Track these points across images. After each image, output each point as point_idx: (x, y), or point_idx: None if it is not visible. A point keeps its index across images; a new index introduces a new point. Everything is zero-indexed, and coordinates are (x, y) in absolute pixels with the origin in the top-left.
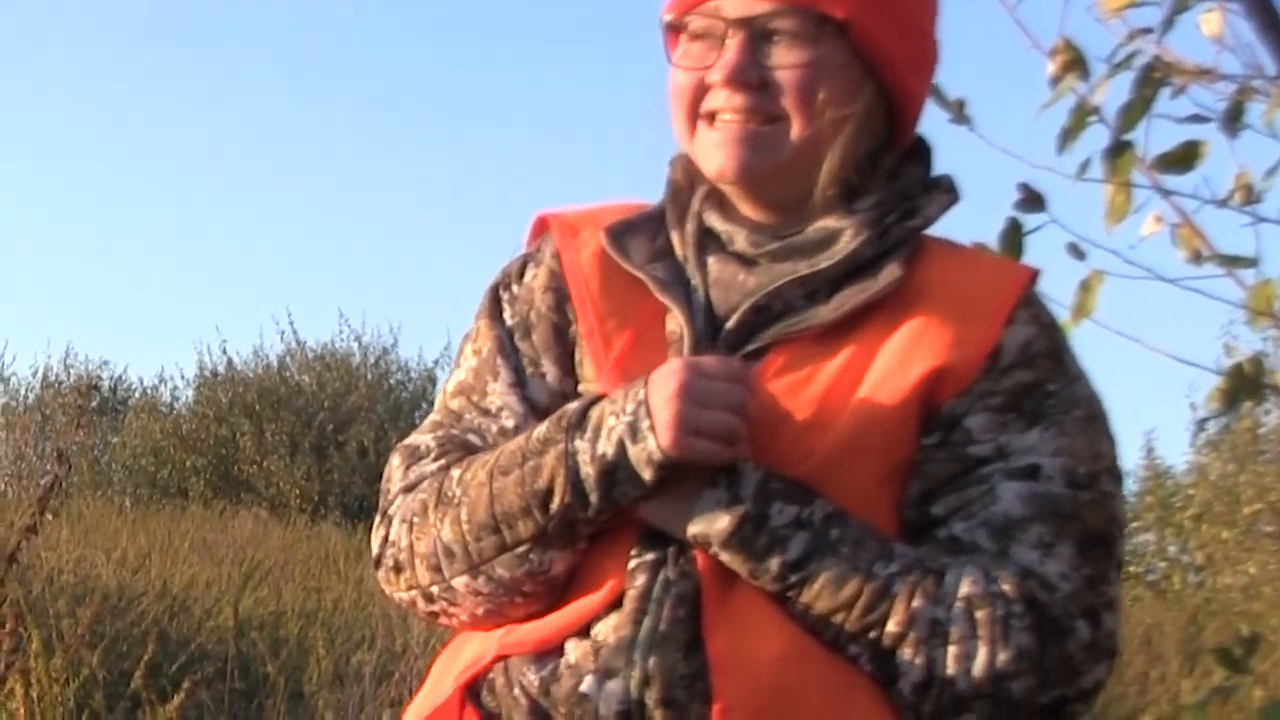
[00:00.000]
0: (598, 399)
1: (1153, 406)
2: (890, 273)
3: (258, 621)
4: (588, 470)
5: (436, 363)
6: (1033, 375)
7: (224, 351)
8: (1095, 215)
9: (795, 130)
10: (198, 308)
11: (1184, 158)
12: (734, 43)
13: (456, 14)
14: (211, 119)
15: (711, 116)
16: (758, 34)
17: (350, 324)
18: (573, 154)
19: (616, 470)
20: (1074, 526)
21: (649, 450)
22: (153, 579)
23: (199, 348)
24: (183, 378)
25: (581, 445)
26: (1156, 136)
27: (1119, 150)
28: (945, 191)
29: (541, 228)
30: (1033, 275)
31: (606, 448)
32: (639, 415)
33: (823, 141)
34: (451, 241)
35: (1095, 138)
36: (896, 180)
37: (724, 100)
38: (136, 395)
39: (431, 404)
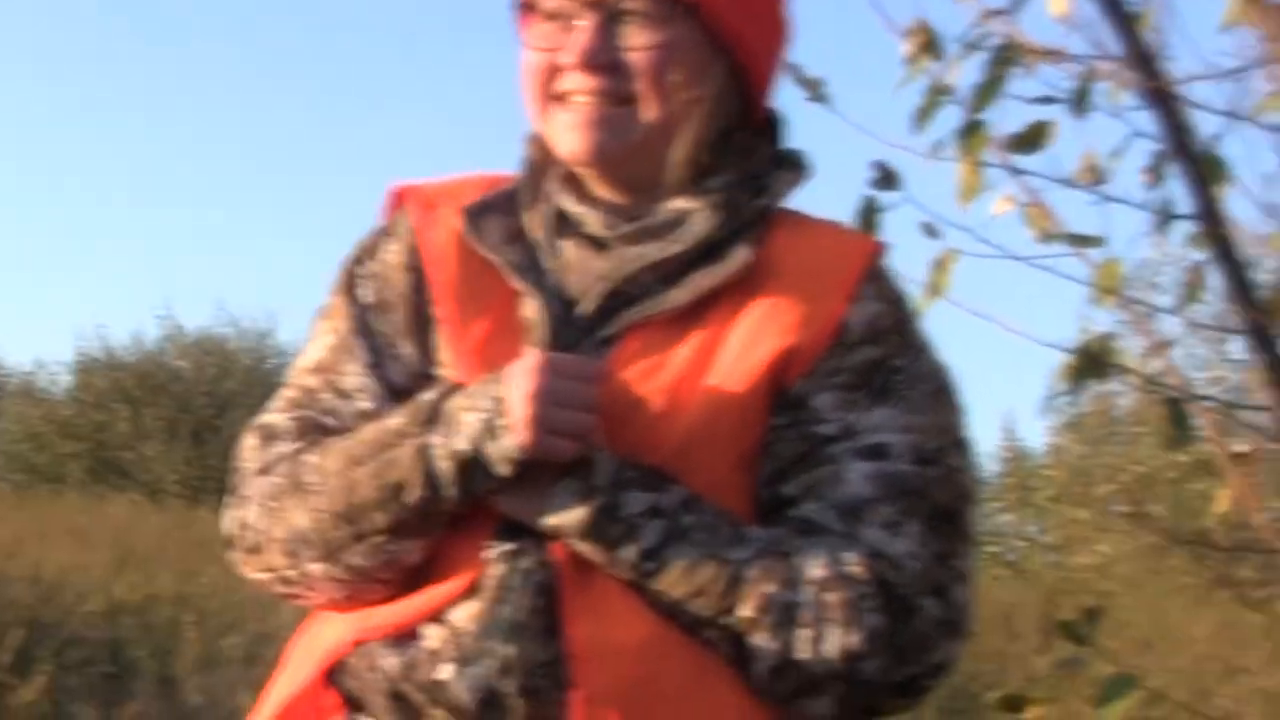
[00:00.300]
0: (452, 390)
1: (1013, 388)
2: (740, 256)
3: (130, 606)
4: (443, 465)
5: None
6: (879, 351)
7: (102, 337)
8: (949, 194)
9: (648, 112)
10: (76, 293)
11: (1033, 138)
12: (586, 24)
13: None
14: (90, 104)
15: (564, 98)
16: (610, 15)
17: (228, 309)
18: (446, 131)
19: (472, 466)
20: (922, 504)
21: (505, 448)
22: (25, 565)
23: (77, 333)
24: (60, 363)
25: (437, 440)
26: (1008, 116)
27: (971, 130)
28: (795, 168)
29: (397, 201)
30: (878, 249)
31: (462, 444)
32: (495, 413)
33: (675, 123)
34: (329, 225)
35: (949, 117)
36: (747, 158)
37: (576, 82)
38: (13, 381)
39: None
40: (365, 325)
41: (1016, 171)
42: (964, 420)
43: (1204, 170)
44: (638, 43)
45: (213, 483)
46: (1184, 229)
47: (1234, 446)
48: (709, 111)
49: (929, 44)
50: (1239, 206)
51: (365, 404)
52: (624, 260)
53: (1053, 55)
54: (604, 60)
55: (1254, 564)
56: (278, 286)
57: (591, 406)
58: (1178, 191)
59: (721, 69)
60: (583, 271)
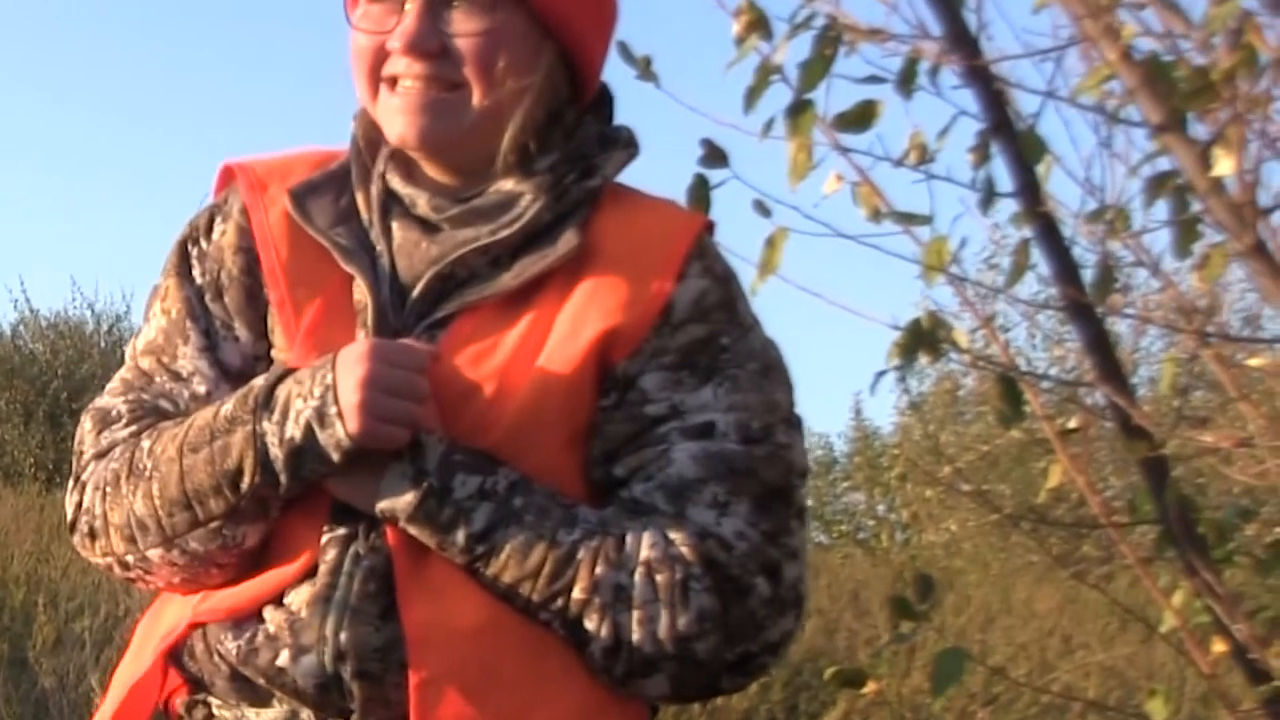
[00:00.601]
0: (284, 375)
1: (862, 368)
2: (567, 240)
3: None
4: (276, 452)
5: None
6: (706, 330)
7: None
8: (780, 173)
9: (476, 98)
10: None
11: (861, 117)
12: (413, 8)
13: None
14: None
15: (393, 81)
16: (436, 0)
17: (83, 291)
18: (286, 105)
19: (304, 453)
20: (750, 483)
21: (337, 436)
22: None
23: None
24: None
25: (270, 427)
26: (836, 96)
27: (799, 109)
28: (624, 146)
29: (228, 178)
30: (704, 225)
31: (294, 431)
32: (326, 400)
33: (504, 108)
34: (184, 204)
35: (778, 97)
36: (574, 137)
37: (404, 67)
38: None
39: None
40: (199, 307)
41: (845, 150)
42: (793, 398)
43: (1024, 148)
44: (465, 29)
45: (69, 466)
46: (1009, 208)
47: (1066, 424)
48: (538, 96)
49: (758, 23)
50: (1062, 186)
51: (200, 387)
52: (453, 243)
53: (876, 35)
54: (431, 46)
55: (1095, 541)
56: (132, 267)
57: (421, 393)
58: (1001, 170)
59: (550, 53)
60: (412, 255)
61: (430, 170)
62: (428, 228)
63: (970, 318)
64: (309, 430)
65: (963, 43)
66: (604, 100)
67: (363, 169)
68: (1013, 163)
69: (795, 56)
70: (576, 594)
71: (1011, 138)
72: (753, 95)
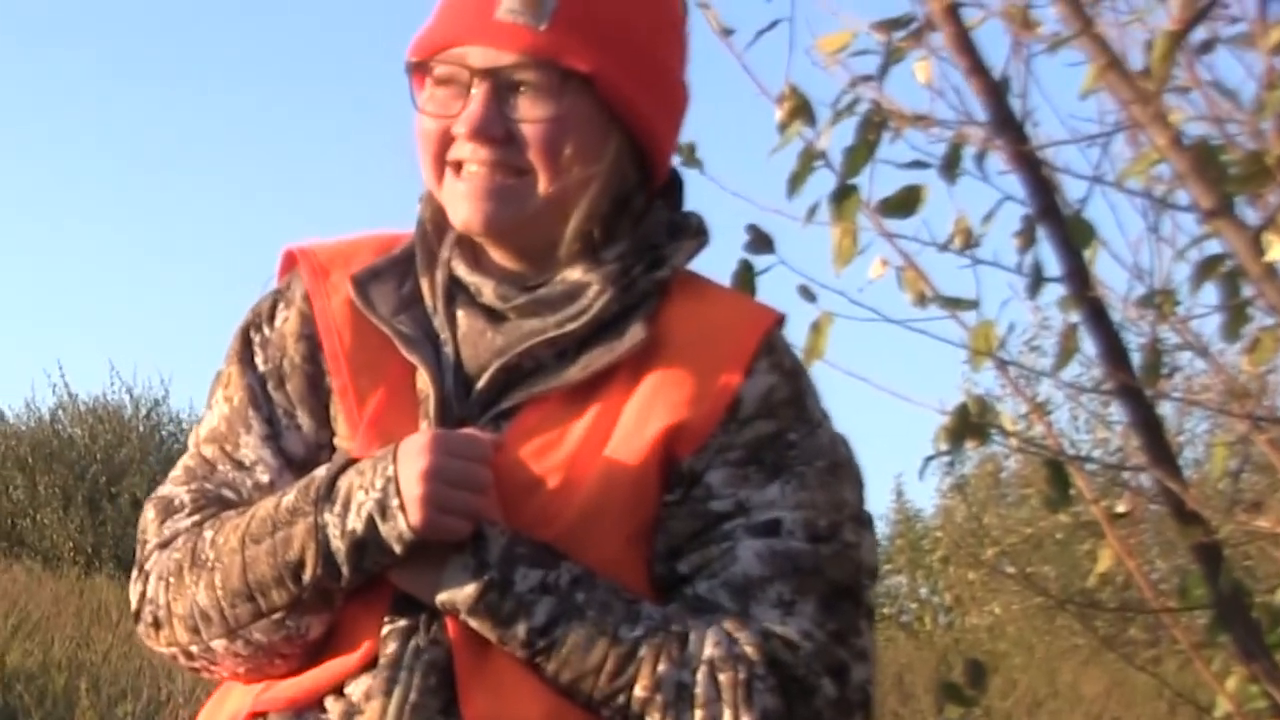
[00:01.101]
0: (346, 466)
1: (903, 451)
2: (635, 334)
3: (25, 673)
4: (338, 544)
5: None
6: (774, 426)
7: None
8: (825, 258)
9: (542, 185)
10: None
11: (906, 202)
12: (479, 94)
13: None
14: None
15: (459, 165)
16: (503, 85)
17: (121, 376)
18: (337, 188)
19: (366, 545)
20: (817, 582)
21: (399, 528)
22: None
23: None
24: None
25: (331, 519)
26: (880, 181)
27: (844, 194)
28: (693, 235)
29: (291, 263)
30: (776, 320)
31: (356, 523)
32: (388, 492)
33: (570, 196)
34: (221, 290)
35: (823, 182)
36: (643, 225)
37: (469, 152)
38: None
39: None
40: (261, 395)
41: (890, 235)
42: (863, 495)
43: (1072, 233)
44: (531, 115)
45: (108, 550)
46: (1055, 292)
47: (1114, 507)
48: (604, 183)
49: (801, 109)
50: (1110, 270)
51: (263, 477)
52: (519, 334)
53: (921, 120)
54: (497, 132)
55: (1142, 624)
56: (170, 351)
57: (484, 485)
58: (1048, 255)
59: (617, 140)
60: (477, 344)
61: (496, 256)
62: (493, 317)
63: (1016, 400)
64: (370, 522)
65: (1008, 128)
66: (673, 186)
67: (428, 254)
68: (1060, 247)
69: (839, 142)
70: (638, 691)
71: (1059, 222)
72: (797, 180)
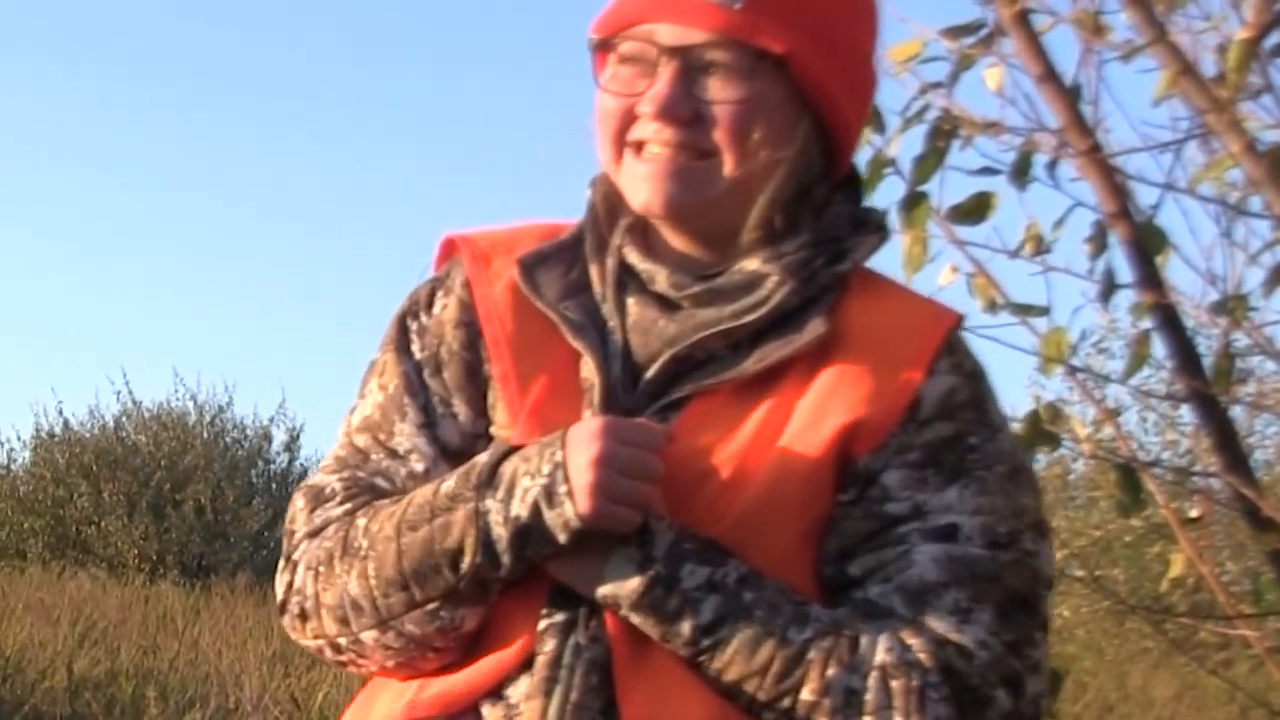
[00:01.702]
0: (508, 453)
1: None
2: (814, 328)
3: (92, 682)
4: (500, 531)
5: (271, 420)
6: (953, 428)
7: (60, 412)
8: (896, 265)
9: (728, 168)
10: (33, 369)
11: (976, 209)
12: (666, 72)
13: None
14: (38, 177)
15: (640, 146)
16: (692, 64)
17: (185, 383)
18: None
19: (530, 533)
20: (994, 589)
21: (566, 516)
22: None
23: (35, 409)
24: (19, 439)
25: (493, 505)
26: (950, 188)
27: (914, 201)
28: (875, 230)
29: (450, 250)
30: (956, 320)
31: (520, 510)
32: (555, 479)
33: (755, 181)
34: (284, 296)
35: (892, 189)
36: (825, 217)
37: (653, 132)
38: None
39: (268, 461)
40: (417, 383)
41: (961, 242)
42: (1040, 504)
43: (1145, 239)
44: (721, 96)
45: (173, 557)
46: (1127, 298)
47: (1186, 511)
48: (790, 170)
49: (870, 116)
50: (1182, 276)
51: (418, 465)
52: (693, 324)
53: (991, 128)
54: (684, 112)
55: (1212, 628)
56: (234, 358)
57: (655, 474)
58: (1120, 261)
59: (806, 125)
60: (648, 333)
61: (673, 241)
62: (666, 305)
63: (1085, 406)
64: (535, 509)
65: (1080, 134)
66: (854, 180)
67: (598, 240)
68: (1133, 253)
69: (909, 150)
70: (805, 695)
71: (1131, 228)
72: (866, 187)
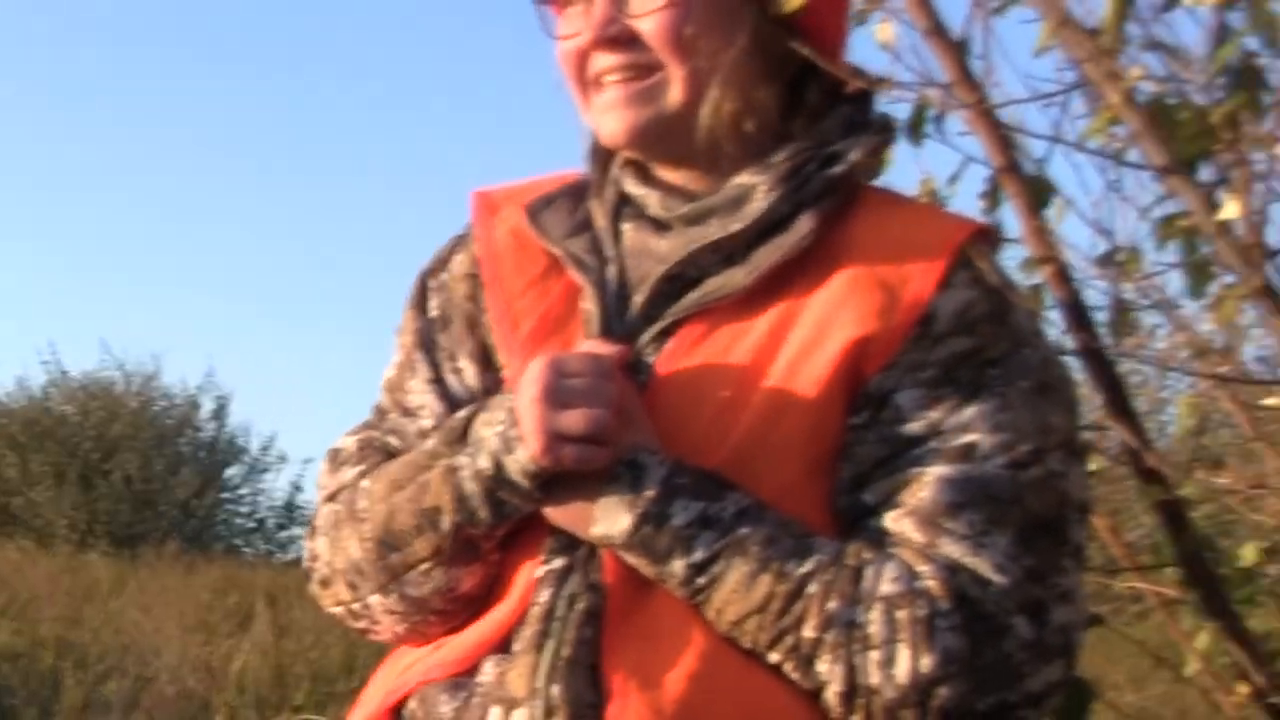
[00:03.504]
0: (484, 405)
1: None
2: (802, 225)
3: (12, 653)
4: (471, 487)
5: (200, 388)
6: (970, 343)
7: None
8: None
9: (674, 76)
10: None
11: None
12: (599, 1)
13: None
14: None
15: (599, 81)
16: None
17: (113, 352)
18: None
19: (498, 485)
20: (1014, 511)
21: (521, 462)
22: None
23: None
24: None
25: (463, 460)
26: None
27: None
28: (876, 131)
29: (474, 205)
30: (977, 230)
31: (484, 462)
32: (509, 424)
33: (706, 80)
34: (212, 265)
35: None
36: (819, 124)
37: (602, 63)
38: None
39: (196, 430)
40: (429, 340)
41: None
42: (1075, 423)
43: (1033, 193)
44: (647, 5)
45: (101, 526)
46: (1018, 252)
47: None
48: (746, 62)
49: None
50: (1074, 230)
51: (427, 422)
52: (686, 240)
53: (883, 83)
54: (618, 32)
55: (1126, 581)
56: (162, 326)
57: (607, 403)
58: (1011, 215)
59: (752, 13)
60: (641, 255)
61: (664, 173)
62: (659, 227)
63: None
64: (496, 459)
65: (968, 88)
66: (866, 93)
67: (599, 178)
68: (1022, 207)
69: None
70: (807, 632)
71: (1020, 182)
72: None
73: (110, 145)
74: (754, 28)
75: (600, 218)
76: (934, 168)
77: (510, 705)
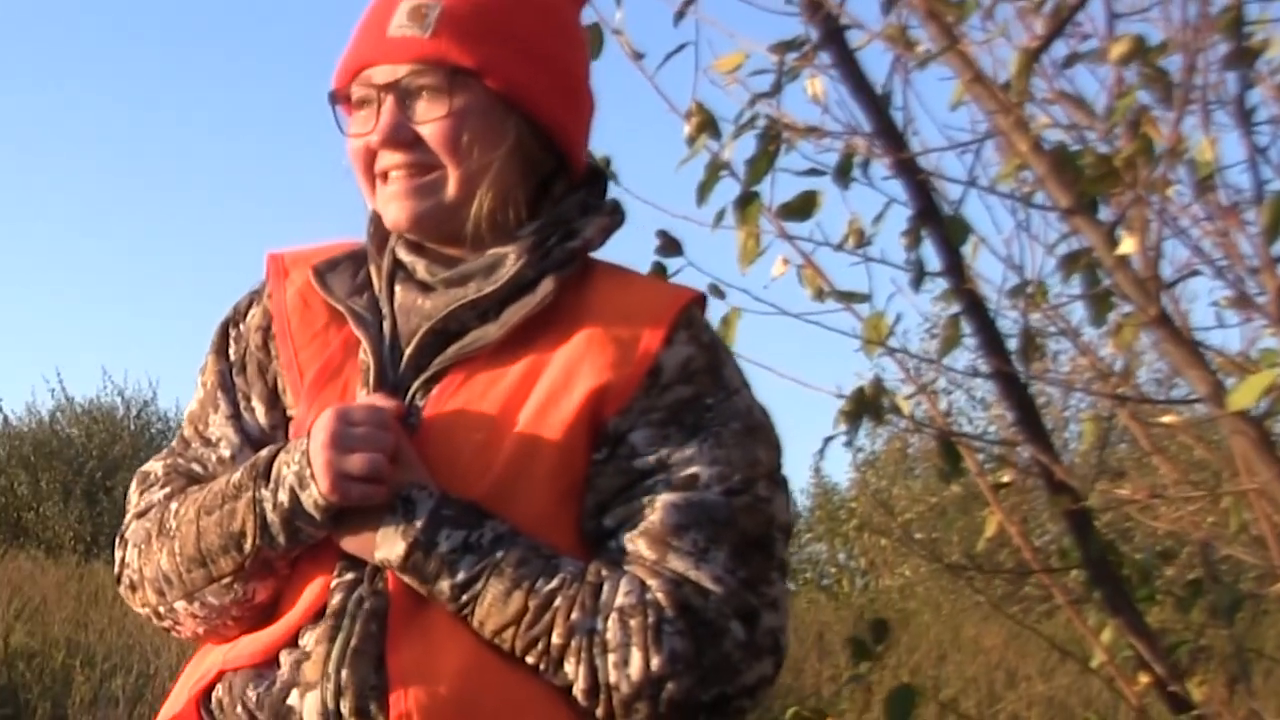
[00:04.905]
0: (284, 446)
1: (809, 433)
2: (545, 287)
3: (26, 653)
4: (272, 517)
5: None
6: (692, 390)
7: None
8: (731, 259)
9: (451, 174)
10: None
11: (803, 207)
12: (386, 107)
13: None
14: None
15: (385, 175)
16: (404, 94)
17: (113, 379)
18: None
19: (295, 516)
20: (729, 532)
21: (314, 496)
22: None
23: None
24: None
25: (266, 494)
26: (780, 188)
27: (747, 201)
28: (607, 214)
29: (269, 265)
30: (693, 298)
31: (283, 496)
32: (303, 464)
33: (477, 180)
34: (205, 297)
35: (728, 190)
36: (559, 207)
37: (388, 160)
38: None
39: None
40: (229, 380)
41: (790, 237)
42: (778, 458)
43: (950, 232)
44: (430, 116)
45: (105, 538)
46: (938, 285)
47: (999, 478)
48: (507, 166)
49: (707, 124)
50: (989, 265)
51: (225, 452)
52: (447, 300)
53: (813, 132)
54: (405, 136)
55: (1036, 582)
56: (158, 356)
57: (385, 449)
58: (932, 253)
59: (517, 125)
60: (409, 313)
61: (433, 246)
62: (425, 289)
63: (910, 386)
64: (293, 494)
65: (889, 137)
66: (598, 179)
67: (379, 245)
68: (940, 245)
69: (742, 153)
70: (555, 639)
71: (938, 222)
72: (704, 189)
73: (107, 196)
74: (517, 136)
75: (377, 279)
76: (860, 209)
77: (306, 688)
